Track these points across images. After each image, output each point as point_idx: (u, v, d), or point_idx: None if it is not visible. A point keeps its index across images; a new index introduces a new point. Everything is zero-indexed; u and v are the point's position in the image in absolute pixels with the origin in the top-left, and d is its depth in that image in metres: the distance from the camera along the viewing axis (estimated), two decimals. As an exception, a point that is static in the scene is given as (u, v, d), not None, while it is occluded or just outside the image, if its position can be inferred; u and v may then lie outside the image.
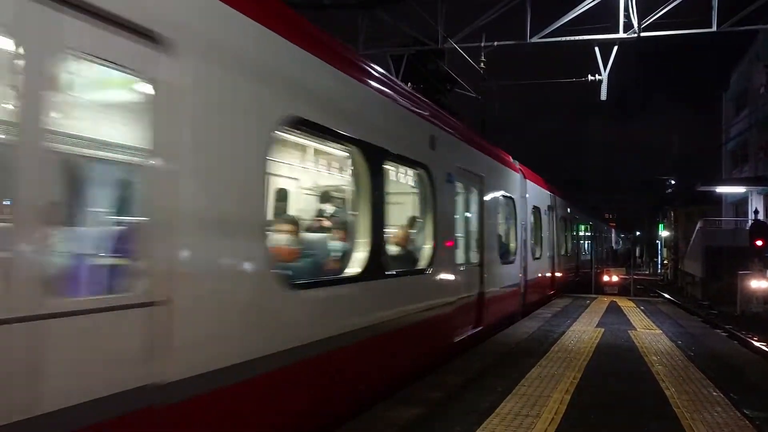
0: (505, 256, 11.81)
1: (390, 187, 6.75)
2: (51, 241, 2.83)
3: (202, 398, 3.56)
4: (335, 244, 6.00)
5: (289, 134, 5.11)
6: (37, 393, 2.68)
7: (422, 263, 7.44)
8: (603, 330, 11.21)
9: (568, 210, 22.55)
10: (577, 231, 26.50)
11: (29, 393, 2.66)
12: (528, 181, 14.51)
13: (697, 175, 38.47)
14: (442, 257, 7.78)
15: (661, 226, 59.95)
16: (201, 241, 3.65)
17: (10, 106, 2.69)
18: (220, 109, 3.81)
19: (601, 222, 43.14)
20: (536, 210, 15.53)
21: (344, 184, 6.68)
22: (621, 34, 14.62)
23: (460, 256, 8.87)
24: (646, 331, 11.24)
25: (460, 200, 9.12)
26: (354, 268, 5.66)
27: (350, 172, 5.99)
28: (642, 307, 15.81)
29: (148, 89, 3.30)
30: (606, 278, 27.74)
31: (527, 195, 14.30)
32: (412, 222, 7.75)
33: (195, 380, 3.51)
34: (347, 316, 5.42)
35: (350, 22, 15.90)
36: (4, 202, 2.76)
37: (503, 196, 11.91)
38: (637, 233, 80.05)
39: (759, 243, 21.21)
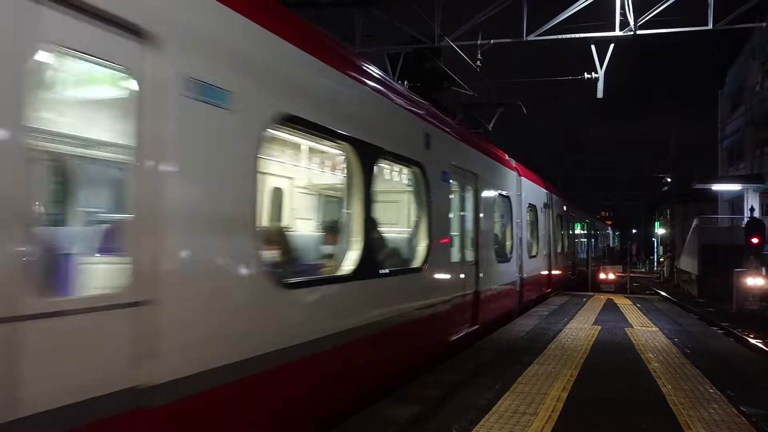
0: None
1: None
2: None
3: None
4: None
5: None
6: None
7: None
8: (600, 327, 11.24)
9: (564, 208, 22.67)
10: (574, 229, 26.60)
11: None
12: (536, 185, 16.08)
13: (694, 172, 38.58)
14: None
15: (657, 223, 60.06)
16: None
17: None
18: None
19: (597, 220, 43.21)
20: (545, 211, 16.31)
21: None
22: (617, 32, 14.64)
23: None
24: (643, 329, 11.27)
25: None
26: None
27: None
28: (638, 305, 15.85)
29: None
30: (602, 276, 27.80)
31: (524, 195, 14.43)
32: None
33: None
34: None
35: (347, 20, 15.90)
36: None
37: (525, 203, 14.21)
38: (634, 231, 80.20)
39: (755, 240, 21.27)
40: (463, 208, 9.77)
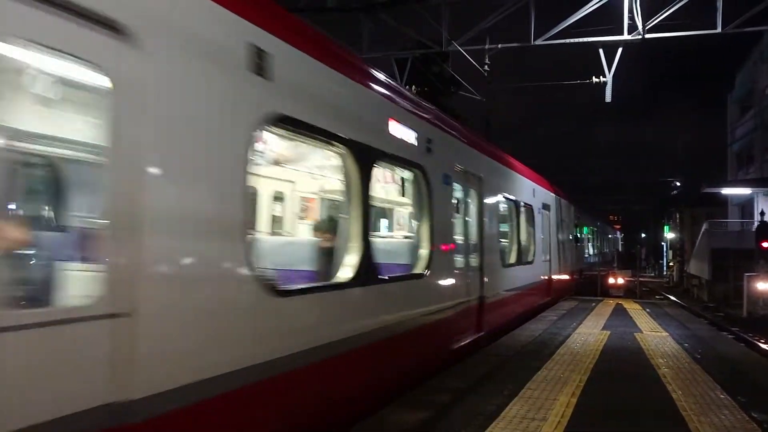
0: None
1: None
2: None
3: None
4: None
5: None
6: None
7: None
8: (609, 332, 11.17)
9: (579, 214, 23.21)
10: (586, 234, 26.73)
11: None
12: (561, 199, 18.82)
13: (703, 176, 38.42)
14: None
15: (666, 228, 59.77)
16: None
17: None
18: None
19: (606, 224, 43.10)
20: (562, 220, 18.98)
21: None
22: (625, 36, 14.61)
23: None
24: (652, 334, 11.19)
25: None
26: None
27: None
28: (648, 310, 15.75)
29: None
30: (611, 281, 27.65)
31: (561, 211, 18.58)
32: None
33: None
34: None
35: (354, 26, 15.93)
36: None
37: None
38: (643, 235, 79.83)
39: (765, 244, 21.09)
40: (543, 227, 15.24)
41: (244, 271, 4.03)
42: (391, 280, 6.39)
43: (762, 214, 25.75)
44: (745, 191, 32.34)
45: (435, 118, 8.09)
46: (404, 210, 9.59)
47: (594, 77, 16.49)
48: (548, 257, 15.80)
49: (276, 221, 8.68)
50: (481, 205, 9.68)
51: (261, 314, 4.19)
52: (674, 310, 17.33)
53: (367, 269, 5.64)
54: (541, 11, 15.00)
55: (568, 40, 15.15)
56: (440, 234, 7.57)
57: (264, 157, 6.23)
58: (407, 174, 7.38)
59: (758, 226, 23.23)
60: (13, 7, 2.65)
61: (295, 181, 8.76)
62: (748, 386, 7.09)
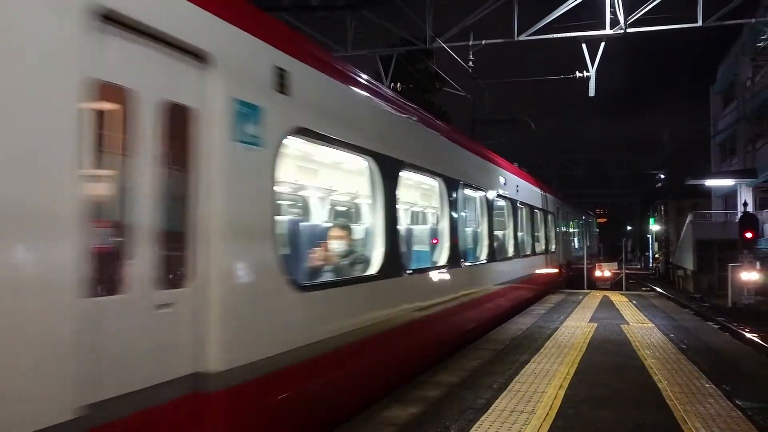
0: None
1: None
2: None
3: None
4: None
5: None
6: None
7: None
8: (596, 325, 11.29)
9: (566, 210, 23.58)
10: (573, 228, 26.95)
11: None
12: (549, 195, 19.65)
13: (687, 168, 38.77)
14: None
15: (652, 220, 60.31)
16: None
17: None
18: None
19: (592, 217, 43.41)
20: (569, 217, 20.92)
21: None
22: (607, 31, 14.72)
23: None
24: (639, 325, 11.33)
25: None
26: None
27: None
28: (634, 302, 15.91)
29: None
30: (598, 273, 27.85)
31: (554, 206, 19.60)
32: None
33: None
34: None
35: (338, 23, 15.92)
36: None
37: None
38: (629, 227, 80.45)
39: (748, 235, 21.38)
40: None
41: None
42: None
43: (745, 204, 26.13)
44: (728, 182, 32.70)
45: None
46: None
47: (578, 72, 16.57)
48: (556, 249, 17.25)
49: None
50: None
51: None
52: (660, 301, 17.52)
53: None
54: (524, 7, 15.10)
55: (551, 36, 15.26)
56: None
57: None
58: None
59: (741, 216, 23.54)
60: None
61: None
62: (733, 375, 7.22)
